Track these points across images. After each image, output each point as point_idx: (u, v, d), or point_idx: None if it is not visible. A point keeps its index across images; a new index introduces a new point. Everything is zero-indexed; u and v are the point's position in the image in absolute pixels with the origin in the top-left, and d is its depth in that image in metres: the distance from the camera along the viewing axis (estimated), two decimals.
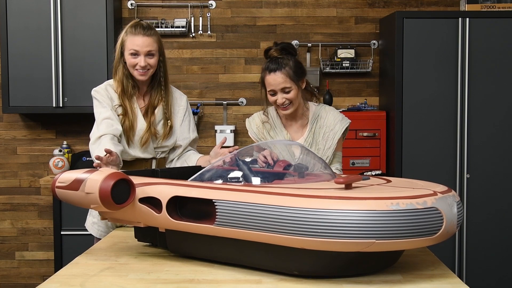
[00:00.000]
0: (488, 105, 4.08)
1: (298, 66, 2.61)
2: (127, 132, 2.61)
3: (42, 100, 4.25)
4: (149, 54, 2.60)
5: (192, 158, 2.74)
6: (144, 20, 4.44)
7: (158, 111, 2.68)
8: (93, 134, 2.55)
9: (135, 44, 2.58)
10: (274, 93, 2.60)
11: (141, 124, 2.64)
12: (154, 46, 2.61)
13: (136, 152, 2.64)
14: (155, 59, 2.62)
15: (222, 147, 2.58)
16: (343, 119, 2.68)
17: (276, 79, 2.56)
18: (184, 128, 2.75)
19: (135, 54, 2.58)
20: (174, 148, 2.76)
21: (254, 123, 2.75)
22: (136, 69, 2.60)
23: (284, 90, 2.57)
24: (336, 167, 2.68)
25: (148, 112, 2.66)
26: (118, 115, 2.60)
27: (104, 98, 2.60)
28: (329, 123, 2.66)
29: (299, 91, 2.62)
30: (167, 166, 2.78)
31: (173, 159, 2.77)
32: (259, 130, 2.72)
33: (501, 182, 4.11)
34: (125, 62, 2.63)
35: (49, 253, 4.60)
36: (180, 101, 2.77)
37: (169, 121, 2.69)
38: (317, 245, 1.68)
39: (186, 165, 2.71)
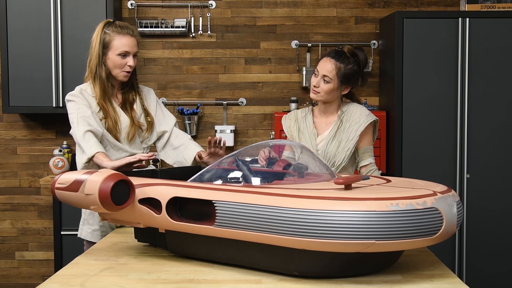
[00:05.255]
0: (488, 105, 4.08)
1: (352, 74, 2.70)
2: (113, 131, 2.61)
3: (42, 100, 4.25)
4: (135, 54, 2.64)
5: (189, 151, 2.75)
6: (144, 20, 4.47)
7: (137, 107, 2.72)
8: (77, 131, 2.51)
9: (126, 45, 2.60)
10: (317, 74, 2.71)
11: (124, 120, 2.65)
12: (137, 47, 2.67)
13: (125, 148, 2.64)
14: (136, 59, 2.67)
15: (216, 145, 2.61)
16: (369, 115, 2.74)
17: (325, 64, 2.69)
18: (159, 117, 2.79)
19: (125, 54, 2.60)
20: (159, 138, 2.79)
21: (288, 122, 2.85)
22: (124, 70, 2.61)
23: (324, 78, 2.67)
24: (369, 161, 2.73)
25: (127, 107, 2.69)
26: (100, 119, 2.60)
27: (81, 100, 2.59)
28: (355, 116, 2.72)
29: (337, 92, 2.70)
30: (159, 153, 2.80)
31: (166, 143, 2.78)
32: (291, 128, 2.82)
33: (501, 182, 4.11)
34: (104, 62, 2.62)
35: (49, 253, 4.60)
36: (150, 95, 2.82)
37: (148, 117, 2.72)
38: (317, 246, 1.68)
39: (183, 157, 2.75)
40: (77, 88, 2.66)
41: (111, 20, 2.67)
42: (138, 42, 2.68)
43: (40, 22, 4.20)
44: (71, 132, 2.57)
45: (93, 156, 2.43)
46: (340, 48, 2.74)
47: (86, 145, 2.46)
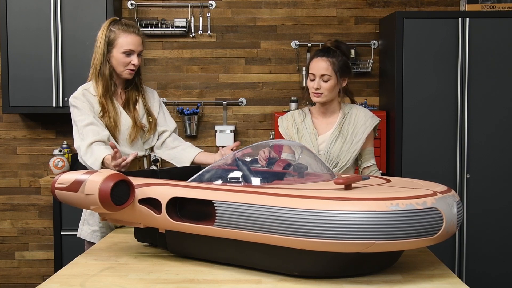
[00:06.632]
0: (488, 105, 4.08)
1: (345, 65, 2.70)
2: (112, 130, 2.59)
3: (42, 100, 4.24)
4: (139, 53, 2.64)
5: (189, 152, 2.74)
6: (144, 20, 4.47)
7: (139, 107, 2.70)
8: (81, 145, 2.51)
9: (131, 43, 2.59)
10: (313, 78, 2.67)
11: (125, 120, 2.64)
12: (142, 46, 2.66)
13: (125, 150, 2.62)
14: (141, 58, 2.66)
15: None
16: (373, 116, 2.76)
17: (319, 64, 2.65)
18: (160, 119, 2.78)
19: (129, 53, 2.59)
20: (158, 137, 2.78)
21: (285, 123, 2.82)
22: (128, 68, 2.61)
23: (323, 78, 2.65)
24: (372, 162, 2.75)
25: (130, 107, 2.67)
26: (100, 118, 2.59)
27: (84, 105, 2.57)
28: (360, 119, 2.73)
29: (337, 87, 2.69)
30: (157, 151, 2.79)
31: (163, 142, 2.77)
32: (289, 129, 2.79)
33: (501, 182, 4.10)
34: (109, 60, 2.62)
35: (49, 253, 4.60)
36: (153, 96, 2.81)
37: (150, 117, 2.71)
38: (317, 246, 1.68)
39: (182, 158, 2.73)
40: (80, 88, 2.65)
41: (117, 18, 2.67)
42: (143, 41, 2.67)
43: (40, 22, 4.20)
44: (75, 145, 2.56)
45: (103, 164, 2.43)
46: (323, 45, 2.74)
47: (90, 159, 2.46)
